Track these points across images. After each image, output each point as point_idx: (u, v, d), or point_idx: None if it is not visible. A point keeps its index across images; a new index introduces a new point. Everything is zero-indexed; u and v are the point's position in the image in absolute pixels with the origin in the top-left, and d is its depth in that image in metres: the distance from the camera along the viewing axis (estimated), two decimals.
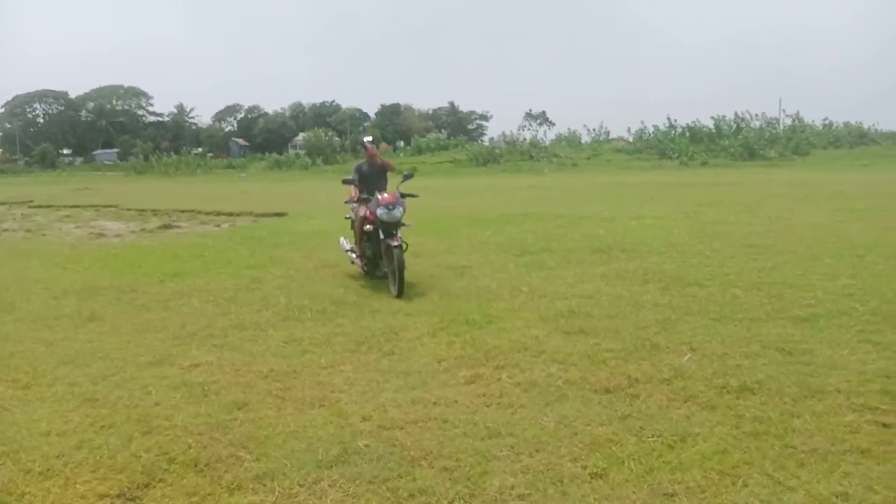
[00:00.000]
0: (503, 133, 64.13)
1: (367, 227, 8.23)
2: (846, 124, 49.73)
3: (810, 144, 44.98)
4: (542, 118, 79.52)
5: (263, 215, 18.57)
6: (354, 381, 4.94)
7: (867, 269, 8.35)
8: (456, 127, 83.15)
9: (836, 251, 9.64)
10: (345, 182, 8.86)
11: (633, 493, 3.22)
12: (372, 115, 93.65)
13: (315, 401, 4.59)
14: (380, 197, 8.05)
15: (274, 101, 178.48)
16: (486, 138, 70.66)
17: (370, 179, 8.73)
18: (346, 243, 9.47)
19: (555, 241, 11.50)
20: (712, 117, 50.56)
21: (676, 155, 43.77)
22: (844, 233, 11.56)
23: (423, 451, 3.73)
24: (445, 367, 5.22)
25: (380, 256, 8.24)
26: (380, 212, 7.89)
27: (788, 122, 51.26)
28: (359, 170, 8.81)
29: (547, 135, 65.19)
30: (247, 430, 4.14)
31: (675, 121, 51.43)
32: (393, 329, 6.28)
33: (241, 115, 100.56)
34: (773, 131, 48.86)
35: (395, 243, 7.73)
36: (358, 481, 3.43)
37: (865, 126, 49.10)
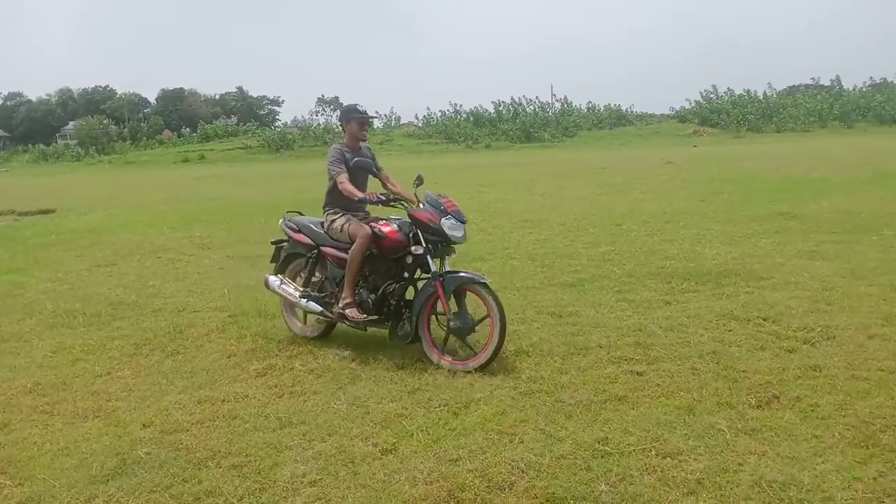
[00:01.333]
0: (295, 118, 62.75)
1: (415, 250, 4.86)
2: (607, 107, 55.08)
3: (577, 126, 49.34)
4: (336, 103, 78.73)
5: (27, 213, 16.59)
6: (134, 387, 4.62)
7: (624, 235, 9.41)
8: (246, 112, 79.55)
9: (598, 222, 10.75)
10: (333, 171, 5.21)
11: (421, 463, 3.36)
12: (152, 100, 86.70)
13: (88, 412, 4.22)
14: (442, 200, 4.94)
15: (38, 87, 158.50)
16: (279, 124, 68.40)
17: (352, 176, 5.28)
18: (290, 286, 5.55)
19: None
20: (493, 102, 53.54)
21: (462, 139, 45.82)
22: (605, 205, 12.90)
23: (211, 451, 3.59)
24: (235, 361, 5.05)
25: (403, 305, 5.02)
26: (448, 225, 4.81)
27: (559, 106, 55.65)
28: (342, 157, 5.31)
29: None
30: (7, 452, 3.71)
31: (460, 106, 53.70)
32: (178, 328, 5.94)
33: None
34: (546, 115, 52.81)
35: (485, 279, 4.86)
36: (137, 492, 3.21)
37: (623, 108, 54.77)
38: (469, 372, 4.52)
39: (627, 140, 43.70)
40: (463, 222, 4.93)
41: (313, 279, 5.50)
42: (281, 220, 5.71)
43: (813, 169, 18.44)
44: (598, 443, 3.50)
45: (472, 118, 51.76)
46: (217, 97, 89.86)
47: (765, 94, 54.52)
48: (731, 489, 3.04)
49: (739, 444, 3.43)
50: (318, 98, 79.03)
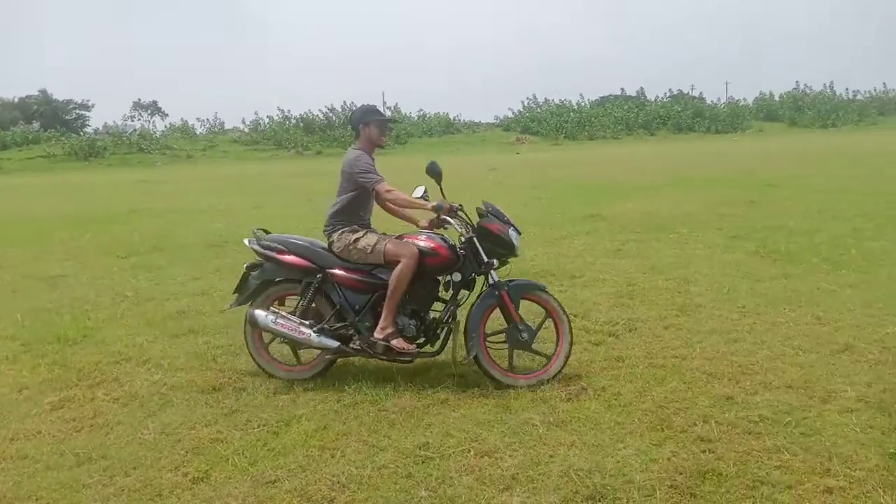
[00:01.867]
0: (106, 124, 58.10)
1: (492, 264, 4.46)
2: (436, 115, 56.43)
3: (409, 134, 50.07)
4: (154, 108, 73.50)
5: None
6: None
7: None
8: (50, 118, 71.92)
9: None
10: (369, 180, 4.52)
11: (236, 488, 3.20)
12: None
13: None
14: (499, 209, 4.63)
15: None
16: (89, 130, 62.84)
17: (364, 192, 4.69)
18: (291, 320, 4.53)
19: (166, 239, 10.88)
20: (321, 110, 52.84)
21: (293, 145, 44.86)
22: None
23: None
24: (27, 395, 4.53)
25: (439, 326, 4.55)
26: (514, 237, 4.51)
27: (389, 113, 56.19)
28: (373, 163, 4.64)
29: (158, 126, 60.67)
30: None
31: (289, 112, 52.52)
32: None
33: None
34: None
35: (545, 286, 4.71)
36: None
37: (451, 116, 56.36)
38: (533, 383, 4.32)
39: (456, 148, 45.04)
40: (520, 233, 4.60)
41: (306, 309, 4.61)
42: (249, 241, 4.81)
43: (620, 174, 20.06)
44: (420, 448, 3.53)
45: (302, 124, 50.81)
46: (16, 100, 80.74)
47: (578, 104, 58.54)
48: (543, 481, 3.18)
49: (551, 437, 3.61)
50: (134, 102, 73.26)
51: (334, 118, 51.56)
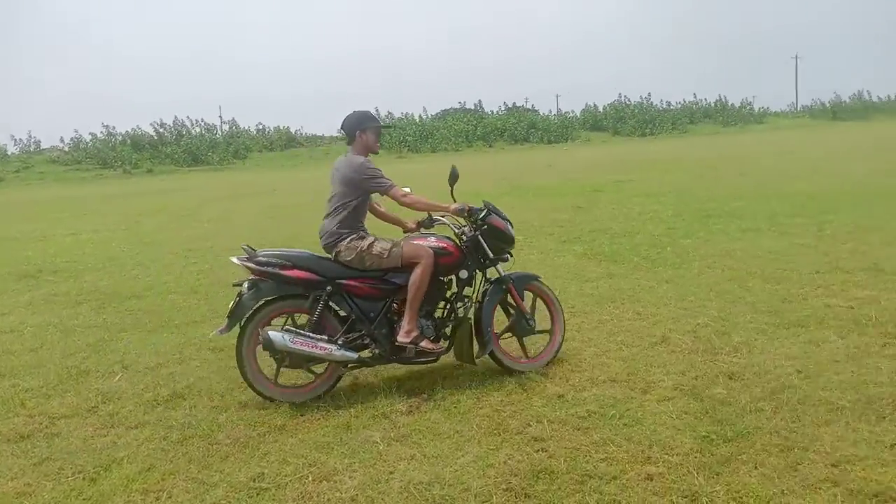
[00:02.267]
0: None
1: (506, 258, 4.81)
2: (276, 129, 55.09)
3: (248, 148, 48.49)
4: None
5: None
6: None
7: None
8: None
9: (269, 245, 10.57)
10: (382, 185, 4.46)
11: None
12: None
13: None
14: (496, 206, 4.82)
15: None
16: None
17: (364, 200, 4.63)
18: (311, 337, 4.28)
19: None
20: (152, 124, 49.84)
21: (120, 164, 41.88)
22: (275, 227, 12.81)
23: None
24: None
25: (455, 324, 4.62)
26: (512, 231, 4.82)
27: (227, 128, 54.14)
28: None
29: None
30: None
31: (115, 128, 49.01)
32: None
33: None
34: (214, 137, 50.95)
35: (538, 276, 5.04)
36: None
37: (293, 130, 55.26)
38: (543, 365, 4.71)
39: (299, 162, 44.21)
40: (513, 227, 4.84)
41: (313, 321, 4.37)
42: (238, 258, 4.38)
43: (461, 184, 20.47)
44: (254, 480, 3.37)
45: (129, 141, 47.58)
46: None
47: (420, 117, 59.59)
48: (383, 500, 3.15)
49: (391, 453, 3.59)
50: None
51: (166, 133, 48.75)
